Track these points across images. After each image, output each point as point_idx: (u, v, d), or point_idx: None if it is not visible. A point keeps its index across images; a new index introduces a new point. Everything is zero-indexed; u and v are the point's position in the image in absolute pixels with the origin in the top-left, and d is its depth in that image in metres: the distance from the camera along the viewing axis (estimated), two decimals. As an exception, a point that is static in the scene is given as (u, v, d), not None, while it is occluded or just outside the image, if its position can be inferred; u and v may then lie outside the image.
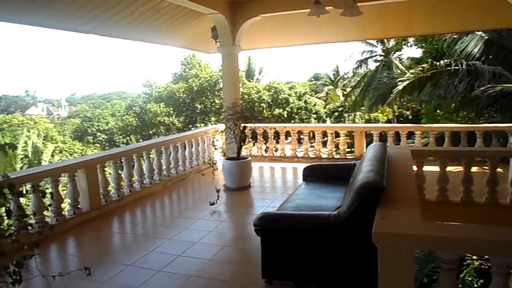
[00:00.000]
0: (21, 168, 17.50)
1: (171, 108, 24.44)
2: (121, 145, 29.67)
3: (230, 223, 6.10)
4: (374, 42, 27.15)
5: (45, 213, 5.46)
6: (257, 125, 8.87)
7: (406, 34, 12.83)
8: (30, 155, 18.24)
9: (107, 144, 34.60)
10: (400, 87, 10.80)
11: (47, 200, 5.50)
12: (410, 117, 24.57)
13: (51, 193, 5.44)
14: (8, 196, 2.66)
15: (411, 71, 11.45)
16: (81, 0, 5.59)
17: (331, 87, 37.17)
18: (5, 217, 4.63)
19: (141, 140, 25.90)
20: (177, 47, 9.72)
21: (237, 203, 6.97)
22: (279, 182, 8.61)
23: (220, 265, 4.49)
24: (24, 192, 3.81)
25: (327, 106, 32.71)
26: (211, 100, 24.57)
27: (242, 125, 7.42)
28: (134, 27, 7.12)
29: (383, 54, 27.60)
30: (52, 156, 20.39)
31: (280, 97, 24.97)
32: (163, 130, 24.57)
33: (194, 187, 8.16)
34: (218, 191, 6.72)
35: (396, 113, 25.71)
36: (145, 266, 4.39)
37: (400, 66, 25.56)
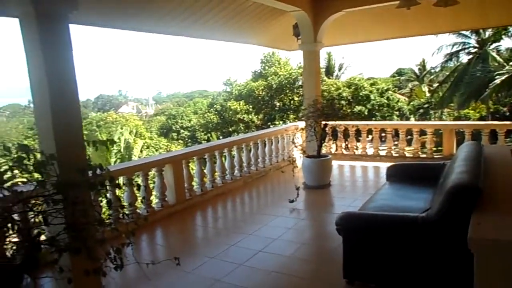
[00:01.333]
0: (115, 162, 19.03)
1: (251, 106, 24.92)
2: (202, 141, 30.93)
3: (309, 221, 6.06)
4: (467, 33, 25.08)
5: (136, 204, 5.86)
6: (338, 122, 8.69)
7: (508, 23, 11.59)
8: (122, 150, 19.74)
9: (189, 140, 36.26)
10: (497, 81, 9.88)
11: (138, 193, 5.89)
12: (508, 113, 22.42)
13: (144, 186, 5.83)
14: (108, 188, 2.88)
15: (512, 63, 10.39)
16: (171, 6, 5.91)
17: (416, 82, 35.23)
18: (106, 208, 5.06)
19: (221, 137, 26.76)
20: (259, 45, 9.86)
21: (317, 201, 6.89)
22: (360, 181, 8.36)
23: (300, 262, 4.48)
24: (121, 184, 4.11)
25: (411, 103, 31.07)
26: (290, 98, 24.61)
27: (323, 122, 7.32)
28: (219, 27, 7.36)
29: (477, 45, 25.42)
30: (141, 151, 21.88)
31: (360, 94, 24.27)
32: (242, 128, 25.15)
33: (273, 184, 8.23)
34: (297, 189, 6.71)
35: (491, 110, 23.62)
36: (228, 259, 4.52)
37: (498, 58, 23.34)
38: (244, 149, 8.10)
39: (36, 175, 3.02)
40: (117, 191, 5.56)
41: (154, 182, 6.44)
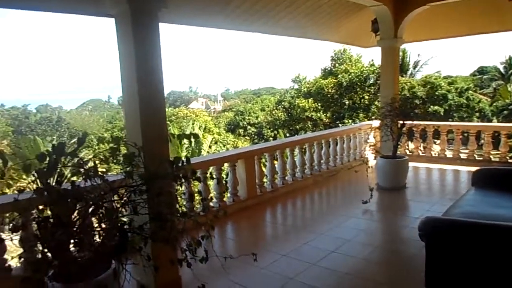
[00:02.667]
0: (185, 156, 19.79)
1: (319, 104, 24.58)
2: (269, 138, 31.08)
3: (383, 224, 5.84)
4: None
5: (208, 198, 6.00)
6: (416, 122, 8.27)
7: None
8: (193, 144, 20.44)
9: (256, 137, 36.66)
10: None
11: (211, 187, 6.04)
12: None
13: (219, 179, 5.97)
14: (191, 181, 2.97)
15: None
16: (248, 4, 5.96)
17: (500, 82, 32.54)
18: (183, 200, 5.25)
19: (288, 135, 26.72)
20: (334, 42, 9.68)
21: (391, 204, 6.61)
22: (438, 185, 7.90)
23: (375, 266, 4.33)
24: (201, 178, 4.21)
25: (494, 104, 28.77)
26: (360, 96, 23.92)
27: (400, 122, 7.00)
28: (295, 24, 7.30)
29: None
30: (210, 146, 22.51)
31: (436, 93, 22.94)
32: (310, 126, 24.90)
33: (344, 184, 8.04)
34: (371, 189, 6.49)
35: None
36: (300, 258, 4.48)
37: None
38: (315, 147, 7.99)
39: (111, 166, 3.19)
40: (193, 184, 5.74)
41: (227, 177, 6.56)
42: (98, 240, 2.91)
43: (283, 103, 28.33)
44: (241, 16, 5.40)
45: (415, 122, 7.89)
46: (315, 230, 5.35)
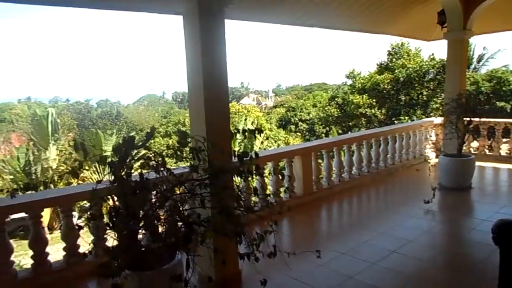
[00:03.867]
0: (238, 151, 19.99)
1: (374, 100, 23.86)
2: (322, 135, 30.71)
3: (447, 225, 5.58)
4: None
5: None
6: (485, 119, 7.80)
7: None
8: (246, 140, 20.61)
9: (307, 133, 36.36)
10: None
11: (268, 181, 6.07)
12: None
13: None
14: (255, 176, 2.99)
15: None
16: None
17: None
18: (241, 194, 5.28)
19: (340, 131, 26.25)
20: (395, 35, 9.34)
21: (455, 204, 6.30)
22: (507, 186, 7.41)
23: (441, 269, 4.15)
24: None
25: None
26: (418, 92, 22.91)
27: (466, 119, 6.63)
28: (354, 17, 7.10)
29: None
30: (262, 142, 22.60)
31: (504, 88, 21.47)
32: (364, 122, 24.26)
33: (403, 182, 7.76)
34: (434, 189, 6.22)
35: None
36: (359, 257, 4.40)
37: None
38: (373, 144, 7.78)
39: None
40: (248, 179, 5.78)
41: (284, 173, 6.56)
42: (164, 231, 3.02)
43: (336, 99, 27.82)
44: (300, 10, 5.33)
45: (483, 120, 7.45)
46: (374, 229, 5.22)
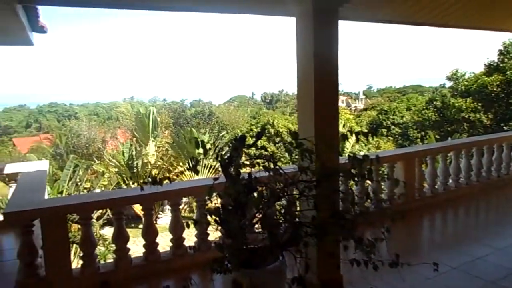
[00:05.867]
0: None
1: (479, 104, 21.89)
2: (417, 140, 29.03)
3: None
4: None
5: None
6: None
7: None
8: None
9: (399, 138, 34.62)
10: None
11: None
12: None
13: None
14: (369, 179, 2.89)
15: None
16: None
17: None
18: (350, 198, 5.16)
19: (438, 137, 24.56)
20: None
21: None
22: None
23: None
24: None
25: None
26: (532, 96, 20.61)
27: None
28: (472, 13, 6.50)
29: None
30: (352, 146, 22.00)
31: None
32: (466, 128, 22.39)
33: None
34: (560, 205, 5.52)
35: None
36: (473, 273, 4.06)
37: None
38: (485, 151, 7.13)
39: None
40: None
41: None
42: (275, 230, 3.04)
43: (434, 102, 26.07)
44: (412, 7, 5.05)
45: None
46: (490, 244, 4.78)
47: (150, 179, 2.65)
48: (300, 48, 3.54)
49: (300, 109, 3.82)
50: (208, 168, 18.79)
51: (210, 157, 21.13)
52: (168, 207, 21.74)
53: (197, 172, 17.93)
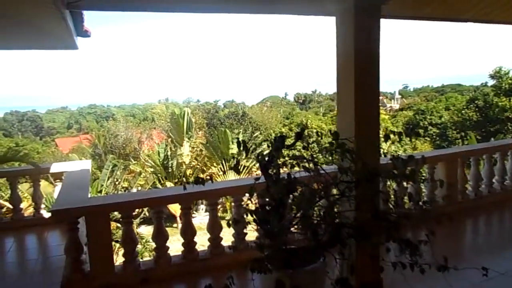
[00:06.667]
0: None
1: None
2: (456, 141, 28.09)
3: None
4: None
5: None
6: None
7: None
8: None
9: (437, 138, 33.61)
10: None
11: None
12: None
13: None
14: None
15: None
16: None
17: None
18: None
19: (479, 137, 23.67)
20: None
21: None
22: None
23: None
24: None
25: None
26: None
27: None
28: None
29: None
30: (389, 146, 21.56)
31: None
32: (510, 127, 21.44)
33: None
34: None
35: None
36: (523, 281, 3.86)
37: None
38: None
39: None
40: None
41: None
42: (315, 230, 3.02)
43: (476, 102, 25.13)
44: (457, 3, 4.86)
45: None
46: (540, 251, 4.55)
47: (193, 179, 2.69)
48: (340, 47, 3.50)
49: (340, 109, 3.78)
50: (242, 168, 18.92)
51: (244, 157, 21.29)
52: (202, 206, 22.10)
53: (238, 172, 18.13)
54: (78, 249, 4.01)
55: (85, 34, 4.74)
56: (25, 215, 6.52)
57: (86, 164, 6.45)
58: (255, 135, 27.99)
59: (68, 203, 4.05)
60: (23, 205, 6.64)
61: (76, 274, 3.97)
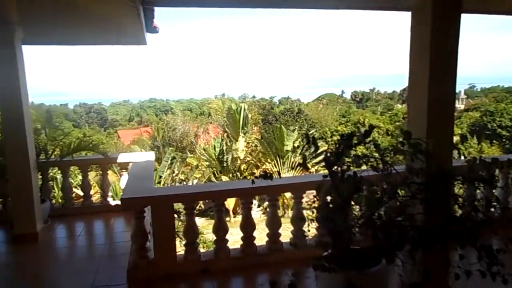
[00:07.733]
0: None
1: None
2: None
3: None
4: None
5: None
6: None
7: None
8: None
9: (507, 142, 31.44)
10: None
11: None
12: None
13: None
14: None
15: None
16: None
17: None
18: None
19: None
20: None
21: None
22: None
23: None
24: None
25: None
26: None
27: None
28: None
29: None
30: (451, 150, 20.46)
31: None
32: None
33: None
34: None
35: None
36: None
37: None
38: None
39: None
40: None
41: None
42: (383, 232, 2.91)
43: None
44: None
45: None
46: None
47: (261, 174, 2.69)
48: (415, 43, 3.35)
49: (411, 107, 3.62)
50: (305, 166, 18.79)
51: (298, 154, 21.15)
52: (256, 202, 22.25)
53: (307, 168, 18.18)
54: (144, 237, 4.17)
55: (153, 30, 4.91)
56: (94, 201, 6.93)
57: (150, 156, 6.71)
58: (310, 132, 27.71)
59: (136, 192, 4.22)
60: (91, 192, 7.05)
61: (141, 261, 4.13)
